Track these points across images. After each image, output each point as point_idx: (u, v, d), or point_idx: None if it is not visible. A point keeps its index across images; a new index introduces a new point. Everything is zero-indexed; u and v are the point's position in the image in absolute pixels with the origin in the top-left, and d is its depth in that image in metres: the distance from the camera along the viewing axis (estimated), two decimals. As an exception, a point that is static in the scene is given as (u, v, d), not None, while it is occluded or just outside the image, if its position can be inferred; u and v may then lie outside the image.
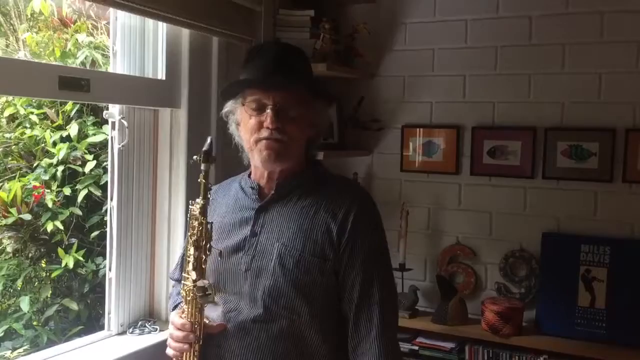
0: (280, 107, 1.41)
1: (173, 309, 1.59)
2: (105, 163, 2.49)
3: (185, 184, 2.17)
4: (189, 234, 1.42)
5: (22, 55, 2.62)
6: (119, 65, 2.08)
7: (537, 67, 2.57)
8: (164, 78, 2.15)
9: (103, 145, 2.59)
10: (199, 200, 1.41)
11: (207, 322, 1.46)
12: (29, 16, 2.68)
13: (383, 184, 2.89)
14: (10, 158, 2.64)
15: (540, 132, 2.57)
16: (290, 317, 1.41)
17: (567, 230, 2.54)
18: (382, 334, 1.42)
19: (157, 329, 2.10)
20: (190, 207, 1.43)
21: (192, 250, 1.41)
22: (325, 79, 2.68)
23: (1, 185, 2.53)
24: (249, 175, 1.57)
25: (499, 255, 2.65)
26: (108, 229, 2.11)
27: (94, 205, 2.64)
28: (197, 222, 1.41)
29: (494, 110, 2.67)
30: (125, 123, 2.06)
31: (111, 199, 2.09)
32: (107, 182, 2.15)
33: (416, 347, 2.59)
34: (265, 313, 1.42)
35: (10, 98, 2.51)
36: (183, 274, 1.45)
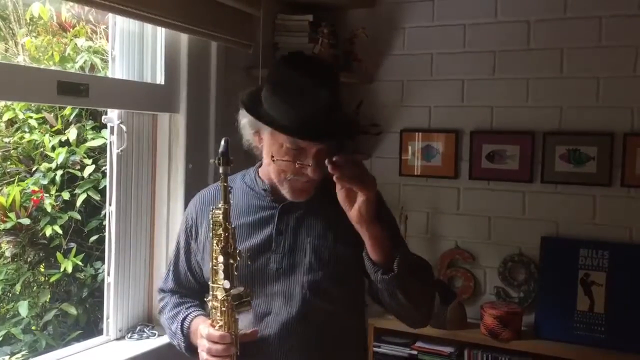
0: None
1: (181, 324, 1.51)
2: (104, 167, 2.49)
3: (184, 188, 2.17)
4: (215, 241, 1.36)
5: (21, 59, 2.62)
6: (117, 70, 2.08)
7: (536, 71, 2.58)
8: (162, 83, 2.15)
9: (102, 149, 2.58)
10: (221, 205, 1.35)
11: (239, 330, 1.39)
12: (28, 20, 2.67)
13: (381, 188, 2.82)
14: (9, 162, 2.63)
15: (539, 136, 2.57)
16: (329, 308, 1.43)
17: (566, 234, 2.55)
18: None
19: (155, 334, 2.09)
20: (211, 212, 1.37)
21: (220, 259, 1.34)
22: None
23: (0, 190, 2.52)
24: (258, 174, 1.52)
25: (498, 260, 2.66)
26: (107, 234, 2.11)
27: (93, 209, 2.64)
28: (221, 228, 1.35)
29: (492, 114, 2.67)
30: (124, 128, 2.06)
31: (110, 204, 2.09)
32: (105, 186, 2.15)
33: (415, 352, 2.59)
34: (306, 308, 1.41)
35: (9, 102, 2.50)
36: (211, 284, 1.37)
